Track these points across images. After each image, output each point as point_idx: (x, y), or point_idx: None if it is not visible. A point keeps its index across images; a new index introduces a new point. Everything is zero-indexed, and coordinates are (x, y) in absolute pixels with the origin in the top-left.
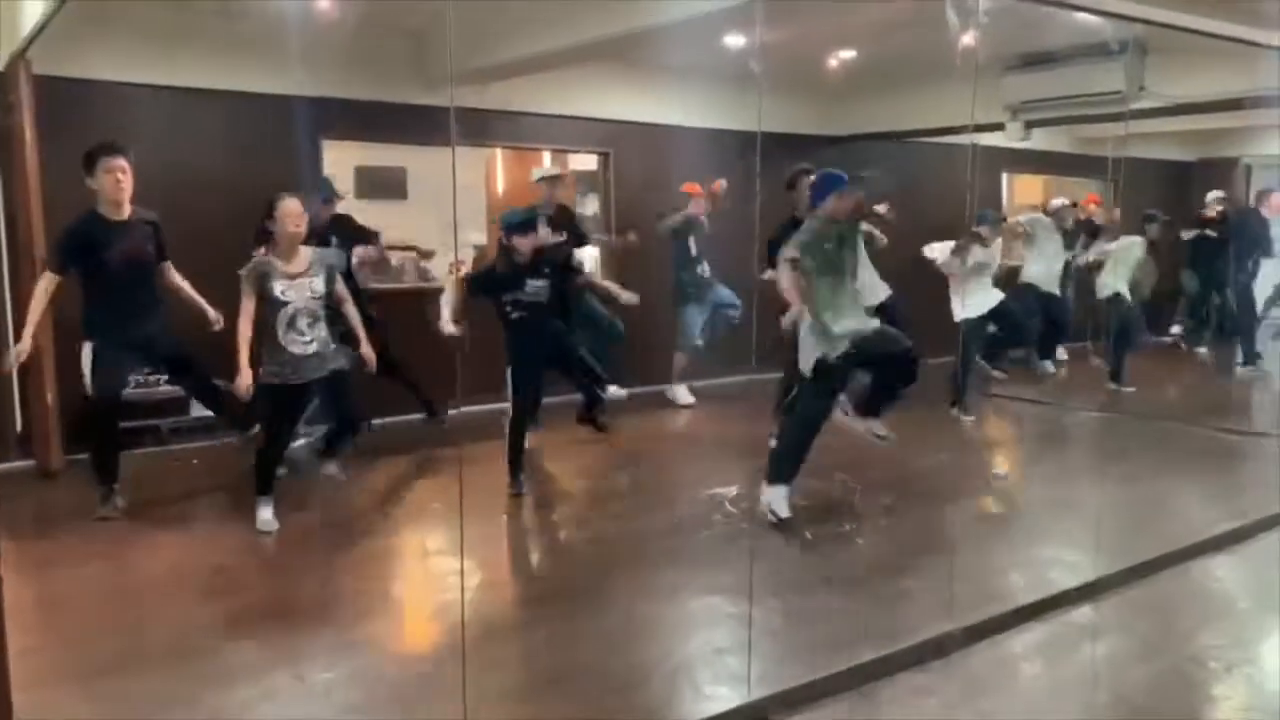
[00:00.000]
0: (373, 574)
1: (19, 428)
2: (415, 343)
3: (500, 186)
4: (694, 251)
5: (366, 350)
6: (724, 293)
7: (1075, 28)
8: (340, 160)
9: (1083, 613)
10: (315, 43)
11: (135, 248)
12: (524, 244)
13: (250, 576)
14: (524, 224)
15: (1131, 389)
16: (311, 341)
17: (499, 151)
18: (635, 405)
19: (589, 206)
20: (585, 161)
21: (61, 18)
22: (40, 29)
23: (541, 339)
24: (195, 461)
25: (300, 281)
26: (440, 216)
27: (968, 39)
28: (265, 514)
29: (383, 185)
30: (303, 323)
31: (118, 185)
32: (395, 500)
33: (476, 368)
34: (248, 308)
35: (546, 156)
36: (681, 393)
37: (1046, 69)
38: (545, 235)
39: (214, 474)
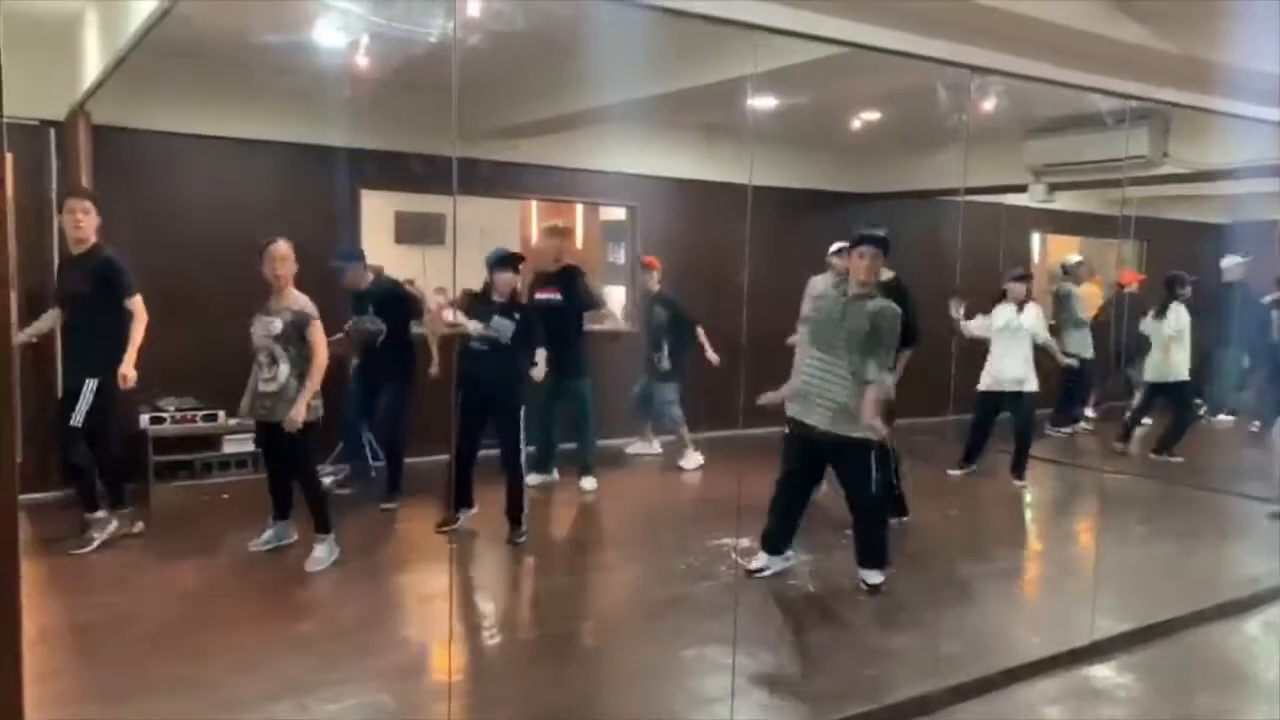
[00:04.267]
0: (385, 611)
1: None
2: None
3: (534, 235)
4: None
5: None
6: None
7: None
8: (382, 206)
9: (1076, 675)
10: (355, 98)
11: (76, 283)
12: (502, 280)
13: (271, 609)
14: (502, 260)
15: (1179, 459)
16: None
17: (534, 202)
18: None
19: (620, 255)
20: (615, 212)
21: (117, 72)
22: (99, 84)
23: (490, 384)
24: (226, 496)
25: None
26: (478, 260)
27: (962, 111)
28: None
29: (422, 230)
30: (263, 358)
31: (76, 225)
32: (417, 538)
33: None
34: None
35: (579, 209)
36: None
37: (1069, 133)
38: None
39: (245, 508)
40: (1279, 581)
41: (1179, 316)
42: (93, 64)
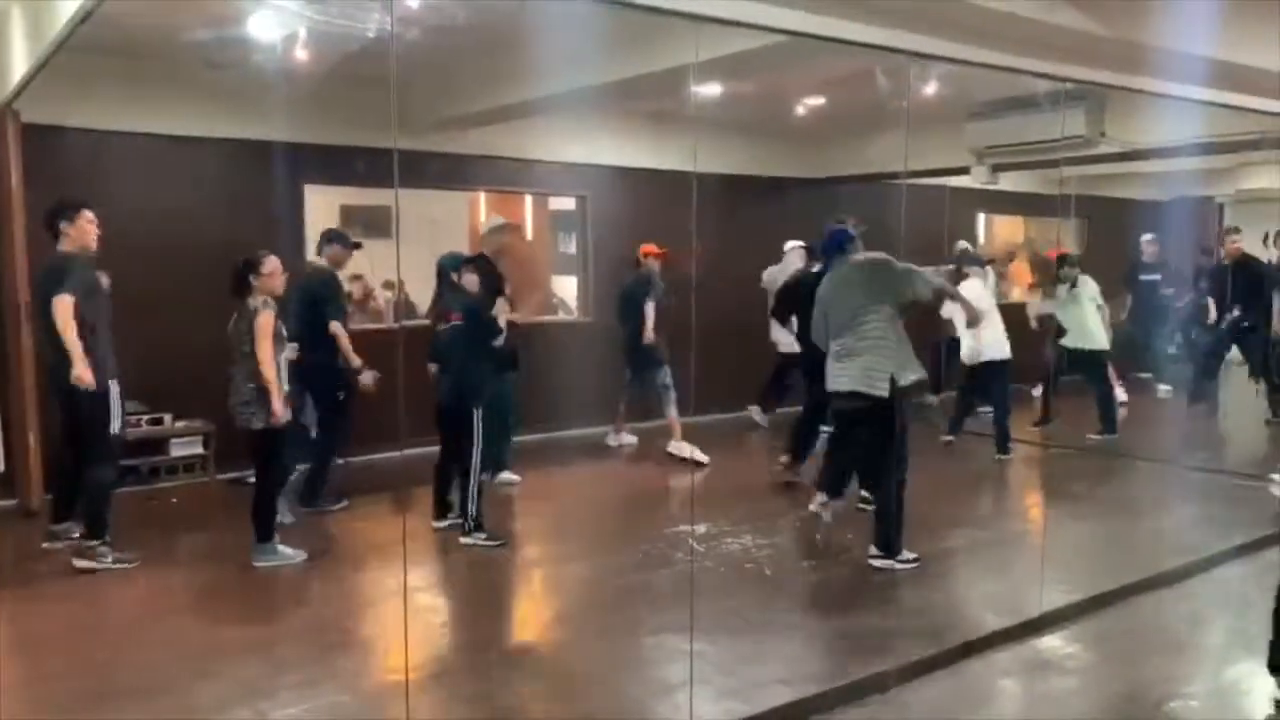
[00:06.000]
0: (342, 611)
1: (1, 467)
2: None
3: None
4: None
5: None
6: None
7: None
8: (326, 201)
9: (1028, 647)
10: (295, 93)
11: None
12: (473, 281)
13: (226, 614)
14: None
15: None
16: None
17: (482, 194)
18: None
19: (571, 245)
20: (565, 202)
21: (48, 69)
22: (28, 81)
23: None
24: (175, 500)
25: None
26: (427, 253)
27: (903, 96)
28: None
29: (367, 224)
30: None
31: (95, 234)
32: (369, 537)
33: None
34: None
35: (528, 200)
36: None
37: (1009, 115)
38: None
39: (192, 512)
40: (1219, 549)
41: (1089, 285)
42: (19, 62)
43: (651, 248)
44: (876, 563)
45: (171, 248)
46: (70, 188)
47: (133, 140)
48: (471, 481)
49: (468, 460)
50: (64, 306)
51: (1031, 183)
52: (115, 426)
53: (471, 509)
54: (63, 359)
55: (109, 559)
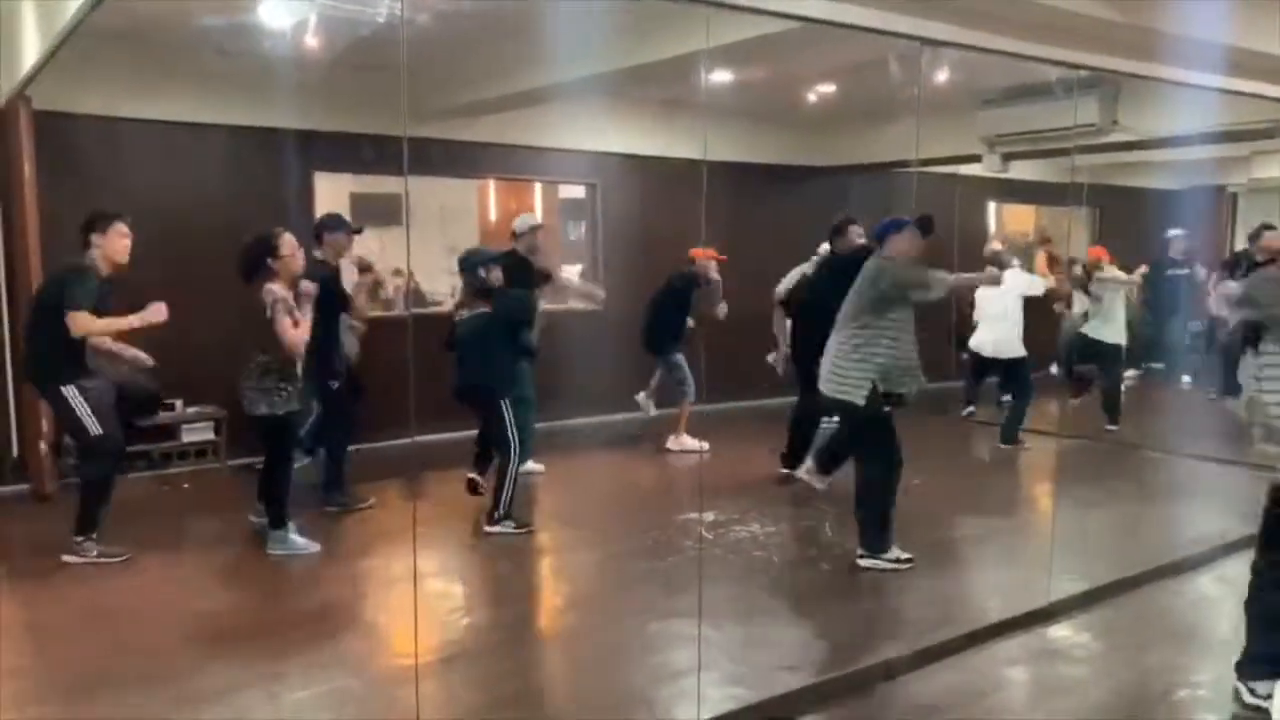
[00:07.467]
0: (355, 596)
1: (15, 453)
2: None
3: (494, 214)
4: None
5: None
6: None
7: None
8: (336, 188)
9: (1035, 636)
10: (305, 79)
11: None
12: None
13: (236, 599)
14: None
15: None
16: None
17: (491, 181)
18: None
19: (581, 232)
20: (574, 190)
21: (59, 56)
22: (40, 68)
23: None
24: (186, 486)
25: None
26: (438, 241)
27: (915, 84)
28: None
29: (377, 212)
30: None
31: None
32: (380, 524)
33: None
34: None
35: (537, 188)
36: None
37: (1021, 103)
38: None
39: (203, 498)
40: (1229, 539)
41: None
42: (31, 49)
43: (701, 251)
44: (863, 562)
45: (181, 234)
46: (81, 174)
47: (143, 127)
48: (511, 468)
49: (506, 449)
50: (82, 322)
51: (1043, 171)
52: (92, 428)
53: (506, 496)
54: (33, 356)
55: (94, 553)
